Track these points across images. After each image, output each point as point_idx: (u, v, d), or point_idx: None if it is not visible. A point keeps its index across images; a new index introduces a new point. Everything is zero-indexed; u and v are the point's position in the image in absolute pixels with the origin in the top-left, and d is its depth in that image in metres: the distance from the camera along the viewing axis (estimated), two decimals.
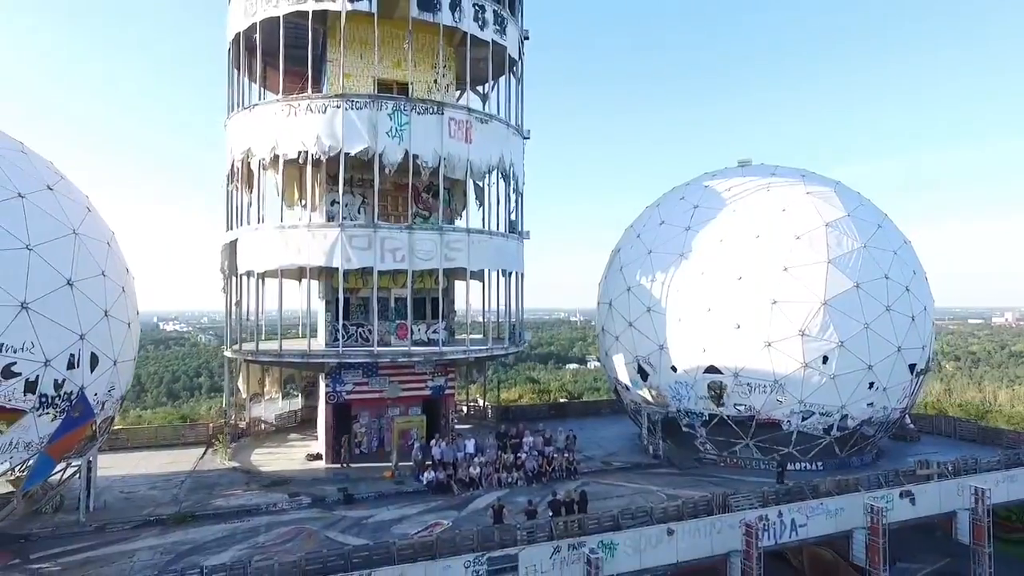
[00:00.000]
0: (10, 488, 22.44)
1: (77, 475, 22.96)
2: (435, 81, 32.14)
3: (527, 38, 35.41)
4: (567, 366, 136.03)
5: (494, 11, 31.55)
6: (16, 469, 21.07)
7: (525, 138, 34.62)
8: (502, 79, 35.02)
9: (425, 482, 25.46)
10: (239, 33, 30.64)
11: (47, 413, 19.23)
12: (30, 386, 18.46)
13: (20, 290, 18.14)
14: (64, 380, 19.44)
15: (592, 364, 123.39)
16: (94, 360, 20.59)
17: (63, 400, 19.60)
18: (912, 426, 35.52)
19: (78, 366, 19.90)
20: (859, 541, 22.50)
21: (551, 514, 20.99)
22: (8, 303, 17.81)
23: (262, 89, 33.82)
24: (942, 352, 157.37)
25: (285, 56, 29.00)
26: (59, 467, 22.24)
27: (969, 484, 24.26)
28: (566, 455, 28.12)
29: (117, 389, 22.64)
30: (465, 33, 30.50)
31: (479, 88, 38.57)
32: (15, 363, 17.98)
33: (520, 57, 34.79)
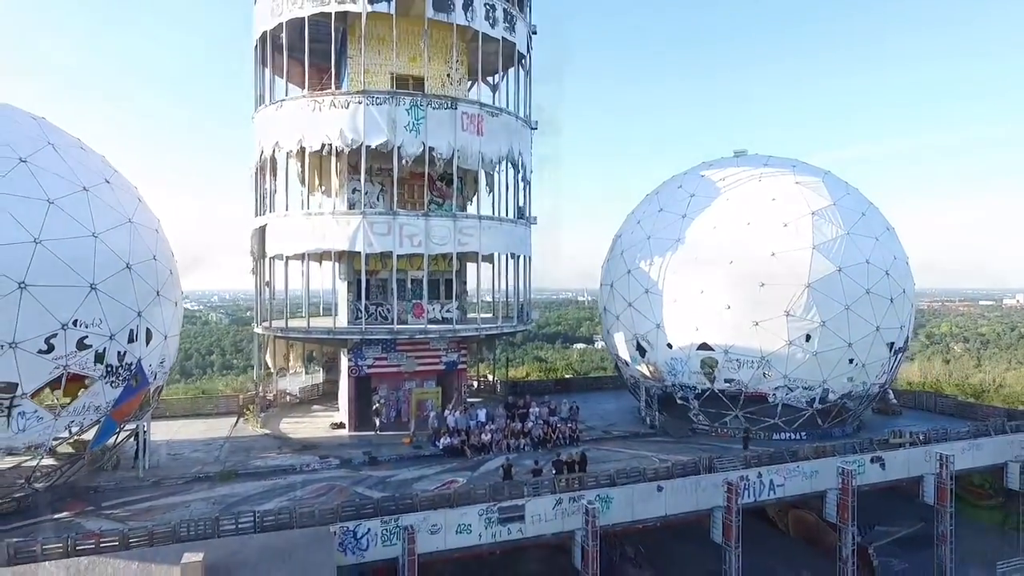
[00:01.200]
0: (70, 450, 25.24)
1: (130, 437, 25.73)
2: (448, 75, 34.21)
3: (535, 33, 37.33)
4: (574, 346, 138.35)
5: (504, 9, 33.51)
6: (75, 432, 23.79)
7: (533, 128, 36.71)
8: (511, 70, 37.10)
9: (441, 447, 28.12)
10: (266, 32, 32.78)
11: (111, 381, 21.90)
12: (99, 357, 21.11)
13: (89, 273, 20.69)
14: (125, 352, 22.09)
15: (599, 344, 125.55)
16: (149, 335, 23.23)
17: (124, 370, 22.26)
18: (895, 401, 37.86)
19: (136, 340, 22.54)
20: (831, 501, 25.03)
21: (554, 472, 23.58)
22: (81, 284, 20.38)
23: (287, 84, 35.98)
24: (951, 333, 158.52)
25: (307, 49, 31.10)
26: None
27: (935, 451, 26.66)
28: (569, 424, 30.70)
29: (167, 361, 25.36)
30: (477, 31, 32.50)
31: (489, 79, 40.54)
32: (87, 336, 20.60)
33: (528, 51, 36.77)
